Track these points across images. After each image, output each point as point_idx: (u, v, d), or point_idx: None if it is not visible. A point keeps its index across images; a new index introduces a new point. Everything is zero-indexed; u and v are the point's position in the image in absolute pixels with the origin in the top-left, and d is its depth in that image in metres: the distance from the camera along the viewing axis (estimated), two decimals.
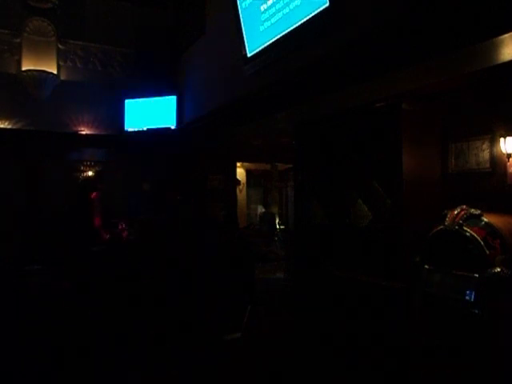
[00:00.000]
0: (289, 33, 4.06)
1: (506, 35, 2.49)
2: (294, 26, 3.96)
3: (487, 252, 2.88)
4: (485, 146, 3.65)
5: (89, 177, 7.12)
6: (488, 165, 3.63)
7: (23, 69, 6.91)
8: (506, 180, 3.49)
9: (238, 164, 9.86)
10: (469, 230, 3.01)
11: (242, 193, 10.96)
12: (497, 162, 3.56)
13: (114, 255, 5.91)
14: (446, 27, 2.73)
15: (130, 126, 7.60)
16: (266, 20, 4.40)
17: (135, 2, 7.77)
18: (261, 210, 11.22)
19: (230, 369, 4.26)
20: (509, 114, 3.47)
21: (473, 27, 2.61)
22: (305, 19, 3.80)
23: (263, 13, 4.44)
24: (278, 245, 9.55)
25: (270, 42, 4.36)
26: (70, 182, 7.38)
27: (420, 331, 3.35)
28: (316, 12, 3.63)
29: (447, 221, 3.19)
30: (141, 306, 5.44)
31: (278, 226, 10.09)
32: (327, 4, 3.48)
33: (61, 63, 7.28)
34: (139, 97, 7.61)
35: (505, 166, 3.50)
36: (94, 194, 6.08)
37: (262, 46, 4.50)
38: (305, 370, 4.09)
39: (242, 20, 4.78)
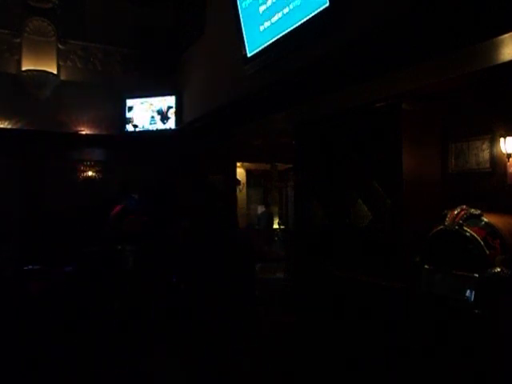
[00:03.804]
0: (289, 33, 4.06)
1: (506, 35, 2.49)
2: (294, 26, 3.96)
3: (487, 252, 2.88)
4: (485, 146, 3.65)
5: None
6: (488, 165, 3.62)
7: (23, 69, 6.91)
8: (506, 180, 3.49)
9: (238, 164, 9.85)
10: (469, 230, 3.01)
11: (241, 193, 10.96)
12: (497, 162, 3.56)
13: (111, 255, 5.90)
14: (446, 27, 2.73)
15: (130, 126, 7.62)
16: (266, 20, 4.40)
17: (135, 1, 7.77)
18: (261, 209, 11.22)
19: (230, 369, 4.26)
20: (509, 113, 3.47)
21: (473, 27, 2.61)
22: (305, 19, 3.80)
23: (263, 13, 4.44)
24: (278, 245, 9.55)
25: (270, 42, 4.36)
26: (69, 181, 7.38)
27: (420, 331, 3.35)
28: (316, 12, 3.63)
29: (447, 221, 3.19)
30: (140, 305, 5.44)
31: (278, 226, 10.08)
32: (327, 4, 3.48)
33: (61, 63, 7.28)
34: (139, 97, 7.61)
35: (505, 166, 3.50)
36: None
37: (262, 46, 4.50)
38: (305, 370, 4.09)
39: (242, 20, 4.78)
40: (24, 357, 4.34)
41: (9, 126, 6.91)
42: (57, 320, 5.04)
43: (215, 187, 7.55)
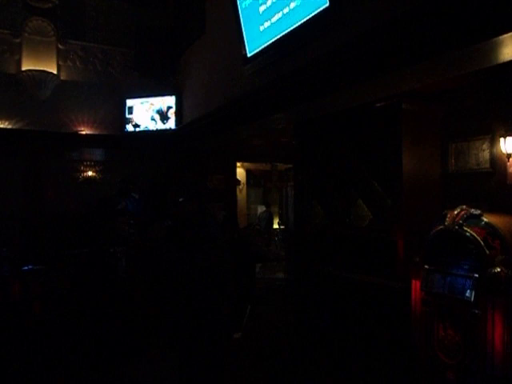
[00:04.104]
0: (289, 33, 4.06)
1: (506, 35, 2.49)
2: (294, 26, 3.96)
3: (487, 252, 2.88)
4: (485, 146, 3.65)
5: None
6: (488, 165, 3.62)
7: (23, 69, 6.91)
8: (506, 180, 3.49)
9: (238, 164, 9.86)
10: (469, 230, 3.00)
11: (241, 193, 10.97)
12: (497, 161, 3.56)
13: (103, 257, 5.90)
14: (446, 27, 2.73)
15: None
16: (266, 20, 4.40)
17: (135, 2, 7.77)
18: (261, 209, 11.23)
19: (230, 368, 4.26)
20: (509, 113, 3.47)
21: (473, 27, 2.60)
22: (305, 19, 3.80)
23: (263, 13, 4.44)
24: (278, 245, 9.55)
25: (270, 42, 4.36)
26: (69, 181, 7.38)
27: (420, 331, 3.35)
28: (316, 12, 3.63)
29: (447, 221, 3.18)
30: (140, 305, 5.43)
31: (277, 226, 10.09)
32: (327, 4, 3.48)
33: (61, 63, 7.28)
34: (139, 97, 7.62)
35: (505, 166, 3.49)
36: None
37: (262, 46, 4.50)
38: (304, 370, 4.09)
39: (241, 20, 4.78)
40: (22, 357, 4.34)
41: (9, 126, 6.91)
42: (56, 320, 5.04)
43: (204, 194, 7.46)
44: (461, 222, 3.07)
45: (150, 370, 4.28)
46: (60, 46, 7.24)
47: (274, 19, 4.28)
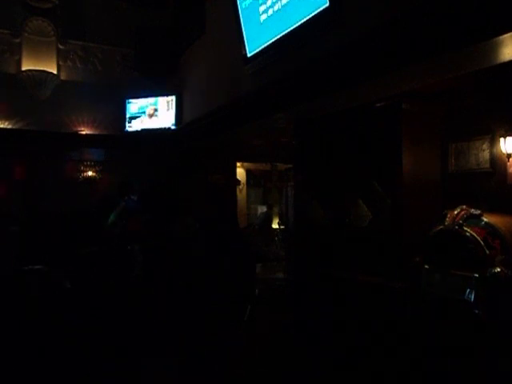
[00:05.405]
0: (289, 33, 4.06)
1: (506, 35, 2.49)
2: (294, 26, 3.96)
3: (487, 252, 2.88)
4: (485, 146, 3.65)
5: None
6: (488, 165, 3.62)
7: (23, 69, 6.92)
8: (506, 180, 3.49)
9: (238, 164, 9.85)
10: (469, 230, 3.00)
11: (242, 193, 10.96)
12: (497, 162, 3.56)
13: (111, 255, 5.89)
14: (446, 27, 2.73)
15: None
16: (266, 20, 4.40)
17: (135, 2, 7.78)
18: (261, 209, 11.21)
19: (230, 368, 4.26)
20: (509, 113, 3.47)
21: (473, 27, 2.61)
22: (305, 19, 3.80)
23: (263, 13, 4.44)
24: (278, 245, 9.54)
25: (270, 42, 4.36)
26: (69, 181, 7.39)
27: (420, 331, 3.35)
28: (316, 12, 3.63)
29: (447, 221, 3.18)
30: (140, 305, 5.43)
31: (278, 226, 10.07)
32: (327, 4, 3.48)
33: (61, 63, 7.29)
34: (139, 97, 7.62)
35: (505, 166, 3.49)
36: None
37: (262, 46, 4.50)
38: (305, 370, 4.09)
39: (241, 20, 4.78)
40: (22, 357, 4.34)
41: (9, 126, 6.91)
42: (56, 320, 5.03)
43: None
44: (461, 221, 3.08)
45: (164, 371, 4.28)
46: (60, 46, 7.25)
47: (274, 19, 4.28)
